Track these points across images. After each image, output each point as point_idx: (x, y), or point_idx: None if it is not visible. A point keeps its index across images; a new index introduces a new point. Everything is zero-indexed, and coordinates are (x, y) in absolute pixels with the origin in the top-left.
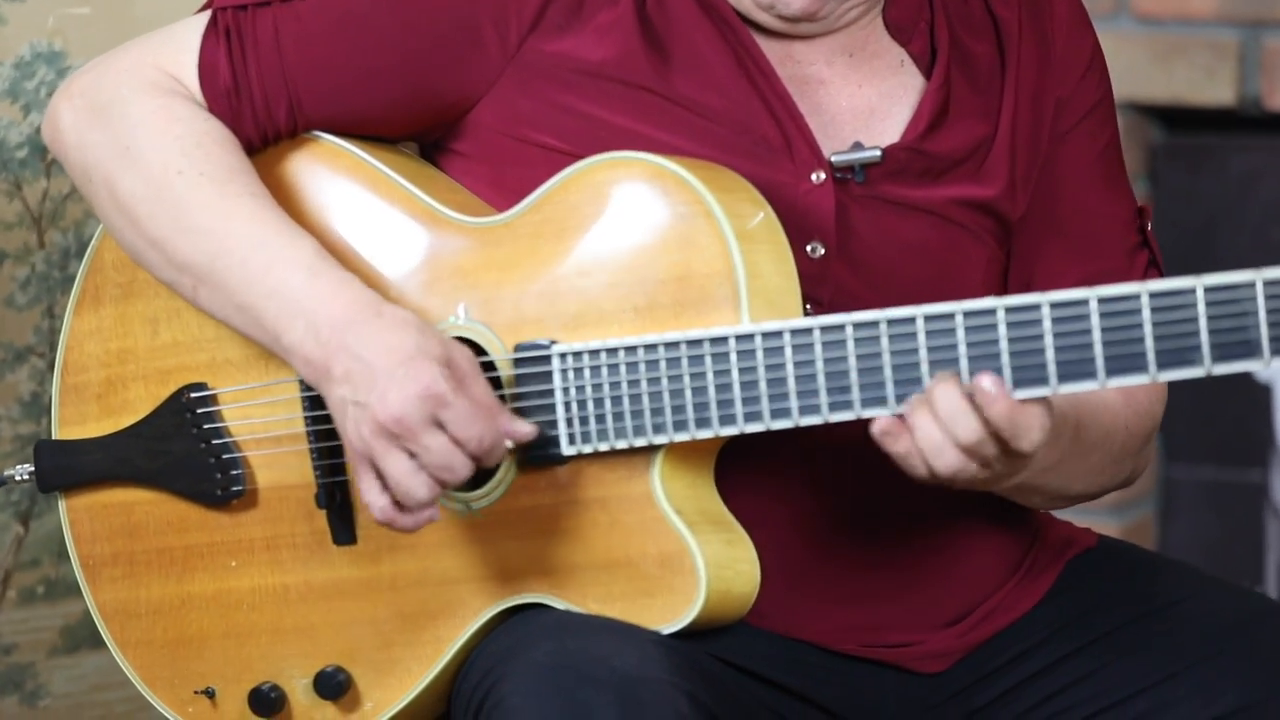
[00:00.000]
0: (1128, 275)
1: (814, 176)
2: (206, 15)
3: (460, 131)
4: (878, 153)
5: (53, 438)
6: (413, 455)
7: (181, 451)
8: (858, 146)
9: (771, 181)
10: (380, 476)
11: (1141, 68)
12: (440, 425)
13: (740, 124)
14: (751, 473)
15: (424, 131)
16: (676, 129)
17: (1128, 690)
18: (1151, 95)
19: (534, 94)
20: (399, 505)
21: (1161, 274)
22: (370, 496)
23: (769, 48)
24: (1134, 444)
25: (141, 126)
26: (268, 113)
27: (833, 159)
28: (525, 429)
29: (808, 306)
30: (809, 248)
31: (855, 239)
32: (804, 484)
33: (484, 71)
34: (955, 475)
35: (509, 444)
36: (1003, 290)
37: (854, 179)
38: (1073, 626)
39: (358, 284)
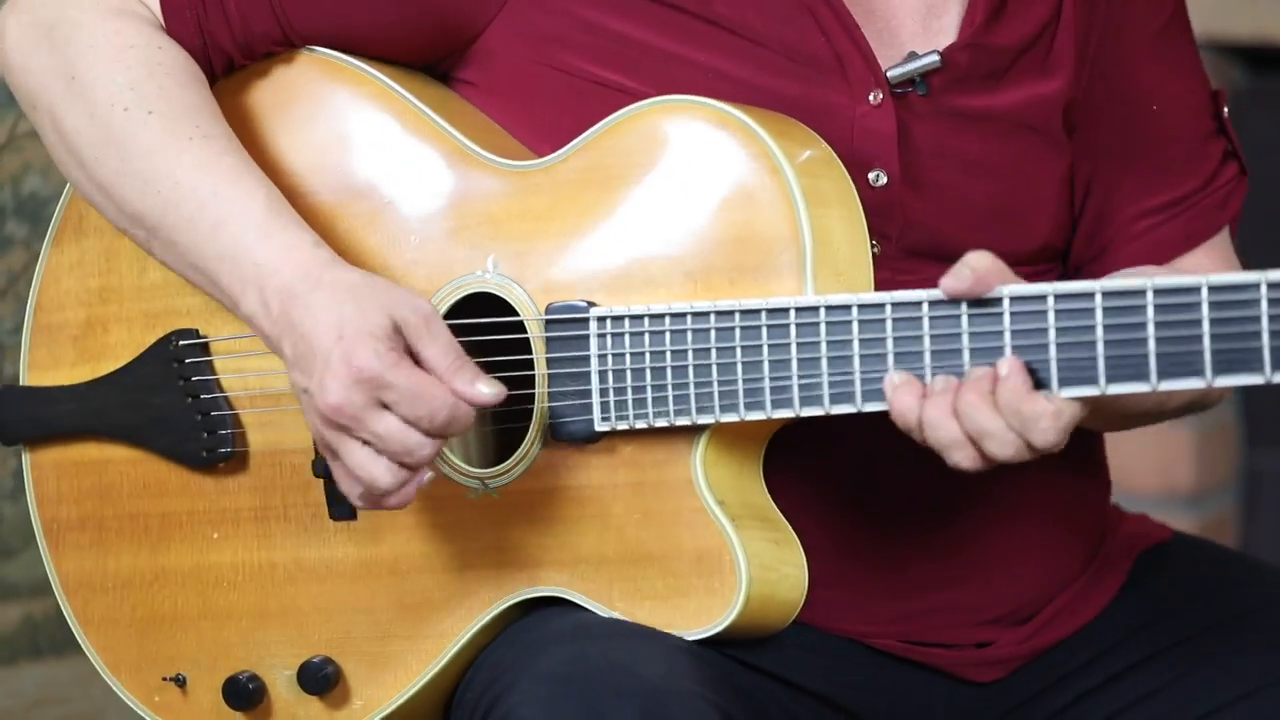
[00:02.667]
0: (1203, 164)
1: (871, 96)
2: None
3: (471, 59)
4: (936, 58)
5: (20, 383)
6: (367, 442)
7: (165, 405)
8: (912, 55)
9: (824, 106)
10: None
11: (1222, 1)
12: (388, 406)
13: (785, 42)
14: (794, 454)
15: (430, 58)
16: (714, 49)
17: (1207, 706)
18: (1233, 32)
19: (555, 8)
20: None
21: (1241, 167)
22: (344, 485)
23: None
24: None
25: (90, 52)
26: (245, 27)
27: (890, 74)
28: (485, 393)
29: (874, 244)
30: (871, 176)
31: (920, 162)
32: (852, 464)
33: None
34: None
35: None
36: (1071, 203)
37: (915, 92)
38: (1145, 631)
39: (308, 245)
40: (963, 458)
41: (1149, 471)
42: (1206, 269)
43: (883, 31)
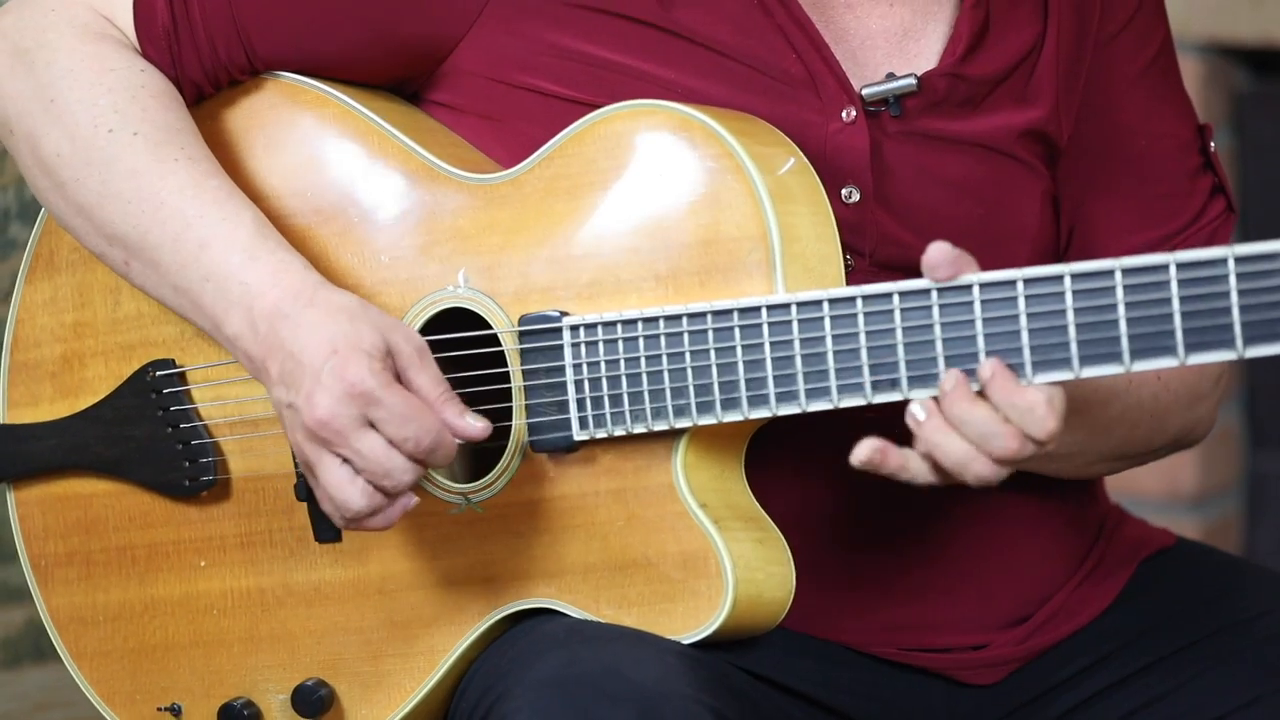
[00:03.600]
0: (1190, 199)
1: (844, 114)
2: None
3: (440, 81)
4: (913, 81)
5: (0, 421)
6: (347, 460)
7: (145, 437)
8: (890, 76)
9: (797, 121)
10: None
11: (1226, 3)
12: (373, 425)
13: (756, 58)
14: (781, 457)
15: (398, 79)
16: (684, 67)
17: (1210, 713)
18: (1237, 34)
19: (521, 32)
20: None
21: (1229, 200)
22: (325, 506)
23: None
24: (1173, 396)
25: (69, 76)
26: (214, 54)
27: (864, 92)
28: (475, 426)
29: (848, 259)
30: (844, 193)
31: (894, 180)
32: (839, 468)
33: (463, 8)
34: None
35: (456, 442)
36: (1058, 227)
37: (888, 112)
38: (1147, 637)
39: (297, 266)
40: (981, 468)
41: (1153, 475)
42: None
43: (856, 51)
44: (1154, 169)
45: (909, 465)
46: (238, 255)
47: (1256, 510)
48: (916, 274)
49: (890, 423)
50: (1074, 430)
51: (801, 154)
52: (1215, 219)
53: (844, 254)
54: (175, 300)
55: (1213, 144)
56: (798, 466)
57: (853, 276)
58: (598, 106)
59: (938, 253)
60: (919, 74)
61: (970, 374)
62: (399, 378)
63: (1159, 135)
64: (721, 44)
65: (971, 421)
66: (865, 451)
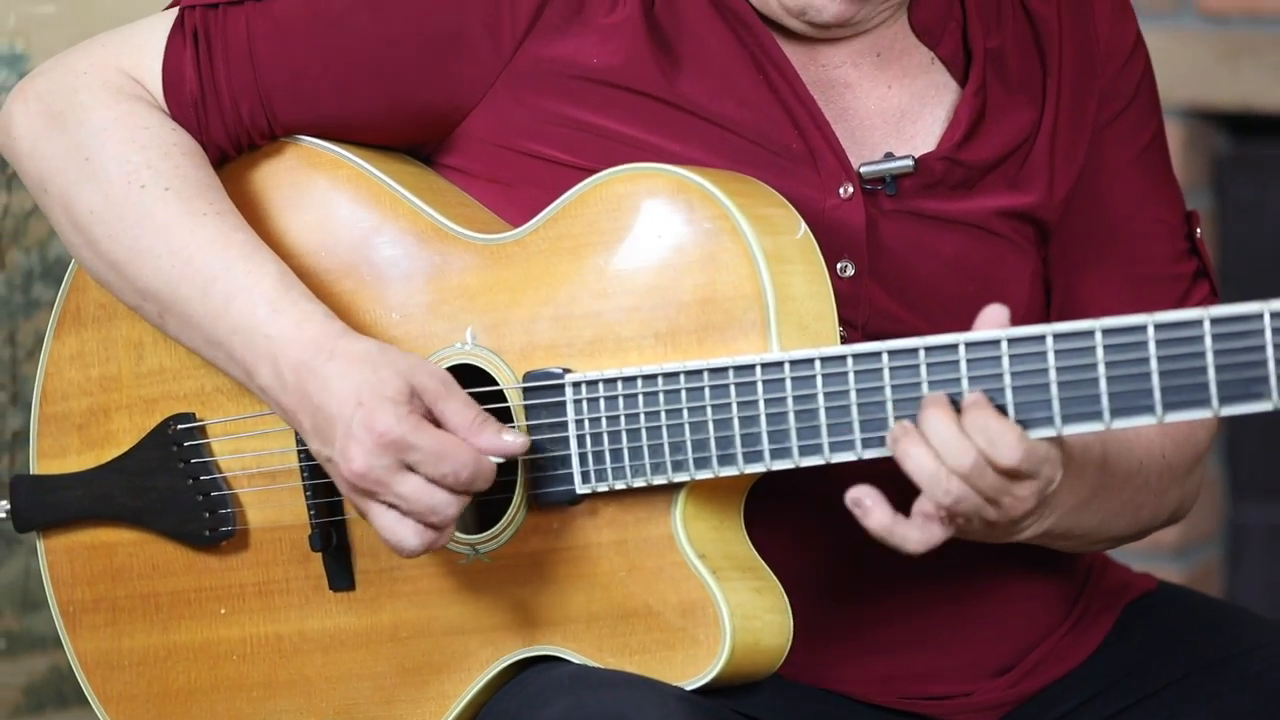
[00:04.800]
0: (1175, 284)
1: (842, 190)
2: (173, 14)
3: (453, 145)
4: (910, 162)
5: (30, 472)
6: (393, 505)
7: (167, 488)
8: (889, 156)
9: (796, 196)
10: None
11: (1206, 69)
12: (411, 468)
13: (759, 133)
14: (779, 512)
15: (413, 143)
16: (689, 139)
17: None
18: (1217, 100)
19: (531, 104)
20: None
21: (1213, 284)
22: (387, 543)
23: (791, 50)
24: (1174, 475)
25: (103, 134)
26: (238, 118)
27: (862, 170)
28: (514, 443)
29: (842, 330)
30: (839, 266)
31: (888, 256)
32: (835, 523)
33: (475, 79)
34: (956, 505)
35: (498, 460)
36: (1047, 303)
37: (885, 191)
38: (1132, 678)
39: (318, 316)
40: (953, 487)
41: None
42: None
43: (856, 130)
44: (1143, 252)
45: (894, 529)
46: (263, 308)
47: (1236, 559)
48: None
49: (886, 481)
50: (1090, 515)
51: (795, 212)
52: (1200, 302)
53: (840, 327)
54: (210, 352)
55: (1199, 230)
56: (795, 519)
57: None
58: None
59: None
60: (916, 155)
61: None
62: (429, 413)
63: (1149, 220)
64: (725, 118)
65: (933, 428)
66: (857, 492)
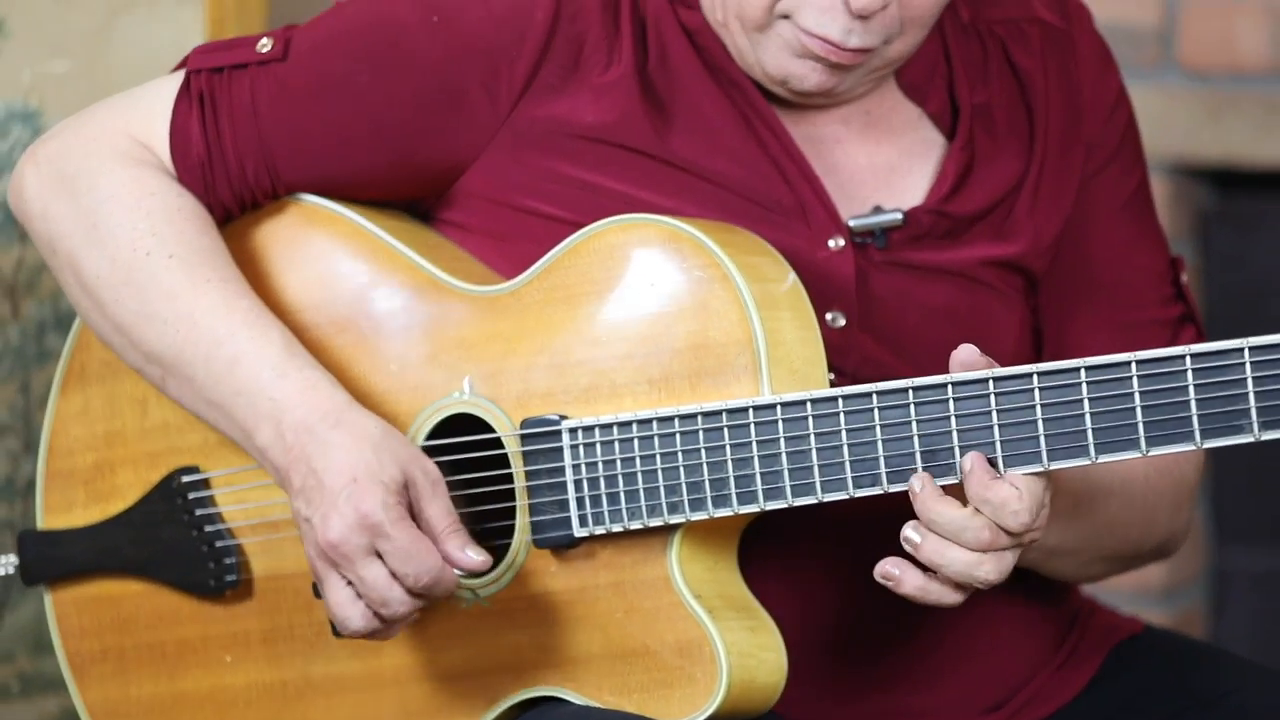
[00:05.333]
0: (1162, 328)
1: (832, 242)
2: (180, 77)
3: (451, 201)
4: (899, 216)
5: (37, 526)
6: (351, 583)
7: (172, 540)
8: (877, 210)
9: (787, 248)
10: None
11: (1190, 125)
12: (380, 555)
13: (751, 188)
14: (771, 553)
15: (412, 199)
16: (681, 195)
17: None
18: (1201, 154)
19: (527, 161)
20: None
21: (1198, 328)
22: (329, 613)
23: (781, 110)
24: (1159, 497)
25: (111, 201)
26: (243, 179)
27: (851, 223)
28: (474, 560)
29: (832, 377)
30: (829, 317)
31: (878, 306)
32: (826, 563)
33: (473, 137)
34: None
35: (457, 574)
36: (1036, 349)
37: (874, 244)
38: (1118, 717)
39: (325, 385)
40: (966, 559)
41: None
42: None
43: (845, 185)
44: (1131, 297)
45: (928, 587)
46: (267, 372)
47: (1220, 603)
48: None
49: (879, 520)
50: (1077, 528)
51: (784, 260)
52: (1186, 344)
53: (830, 375)
54: (209, 414)
55: (1184, 275)
56: (788, 559)
57: None
58: None
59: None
60: (905, 209)
61: (949, 468)
62: (413, 506)
63: (1136, 266)
64: (717, 174)
65: (941, 521)
66: (884, 567)
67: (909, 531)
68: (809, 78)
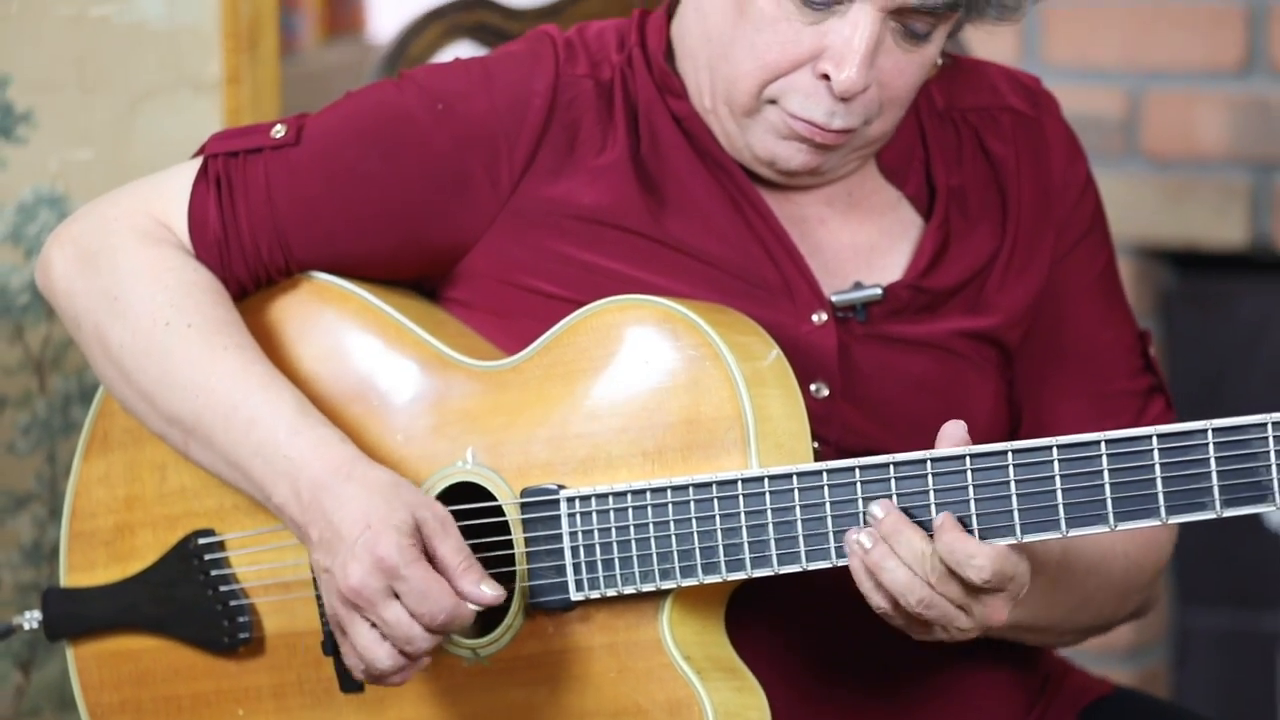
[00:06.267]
0: (1133, 399)
1: (815, 317)
2: (198, 162)
3: (456, 279)
4: (878, 291)
5: (60, 585)
6: (374, 625)
7: (188, 598)
8: (858, 286)
9: (772, 323)
10: None
11: (1152, 209)
12: (398, 596)
13: (739, 268)
14: (757, 617)
15: (419, 278)
16: (674, 274)
17: None
18: (1162, 237)
19: (528, 241)
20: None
21: (1167, 399)
22: (349, 660)
23: (766, 191)
24: (1139, 574)
25: (132, 276)
26: (257, 256)
27: (834, 299)
28: (488, 594)
29: (816, 446)
30: (813, 388)
31: (859, 378)
32: (810, 625)
33: (476, 219)
34: (927, 611)
35: (476, 608)
36: (1010, 419)
37: (855, 318)
38: None
39: (336, 441)
40: (926, 596)
41: None
42: None
43: (828, 262)
44: (1102, 369)
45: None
46: (282, 431)
47: (1183, 662)
48: None
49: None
50: (1054, 604)
51: (771, 339)
52: (1156, 416)
53: (814, 444)
54: (229, 474)
55: (1152, 349)
56: (773, 622)
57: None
58: None
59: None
60: (884, 285)
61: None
62: (426, 546)
63: (1107, 340)
64: (707, 254)
65: (902, 542)
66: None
67: (862, 536)
68: (795, 158)
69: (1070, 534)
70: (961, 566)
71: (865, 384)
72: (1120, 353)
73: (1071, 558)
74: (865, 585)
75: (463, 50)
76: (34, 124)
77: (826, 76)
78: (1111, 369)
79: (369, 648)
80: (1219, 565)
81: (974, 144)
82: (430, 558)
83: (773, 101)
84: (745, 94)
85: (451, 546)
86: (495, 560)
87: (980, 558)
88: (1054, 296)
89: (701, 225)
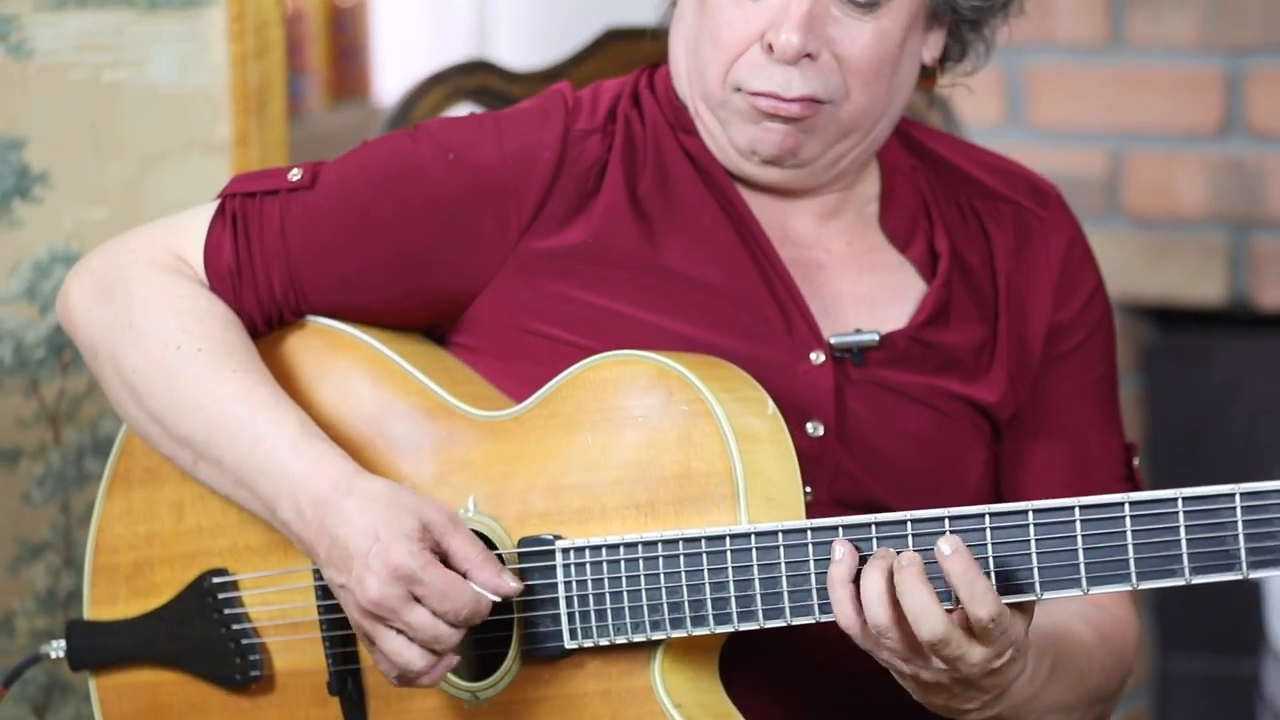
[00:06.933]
0: None
1: (813, 356)
2: (216, 203)
3: (463, 325)
4: (876, 337)
5: (84, 617)
6: (400, 630)
7: (203, 635)
8: (857, 331)
9: (770, 361)
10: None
11: (1134, 267)
12: (419, 600)
13: (740, 300)
14: (749, 665)
15: (427, 323)
16: (674, 311)
17: None
18: (1144, 294)
19: (532, 287)
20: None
21: None
22: (382, 666)
23: (769, 225)
24: (1107, 687)
25: (145, 303)
26: (270, 294)
27: (832, 340)
28: (509, 586)
29: (807, 489)
30: (809, 427)
31: (854, 421)
32: (799, 674)
33: (484, 265)
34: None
35: (496, 598)
36: (996, 494)
37: (852, 361)
38: None
39: (335, 458)
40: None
41: None
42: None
43: (829, 307)
44: (1086, 466)
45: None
46: (284, 450)
47: (1165, 706)
48: (866, 509)
49: (848, 639)
50: (1055, 684)
51: (766, 394)
52: None
53: (806, 484)
54: (237, 493)
55: (1136, 460)
56: (763, 671)
57: (810, 509)
58: (595, 349)
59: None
60: (883, 332)
61: None
62: (437, 546)
63: (1093, 440)
64: (709, 284)
65: (870, 586)
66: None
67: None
68: (770, 139)
69: (1044, 596)
70: (971, 593)
71: (859, 428)
72: (1105, 456)
73: (1059, 670)
74: (881, 622)
75: (464, 112)
76: (50, 184)
77: (772, 46)
78: (1095, 467)
79: (400, 652)
80: (1199, 612)
81: (977, 227)
82: (442, 555)
83: (738, 89)
84: (713, 83)
85: (462, 540)
86: (494, 607)
87: (991, 593)
88: (1046, 392)
89: (707, 255)
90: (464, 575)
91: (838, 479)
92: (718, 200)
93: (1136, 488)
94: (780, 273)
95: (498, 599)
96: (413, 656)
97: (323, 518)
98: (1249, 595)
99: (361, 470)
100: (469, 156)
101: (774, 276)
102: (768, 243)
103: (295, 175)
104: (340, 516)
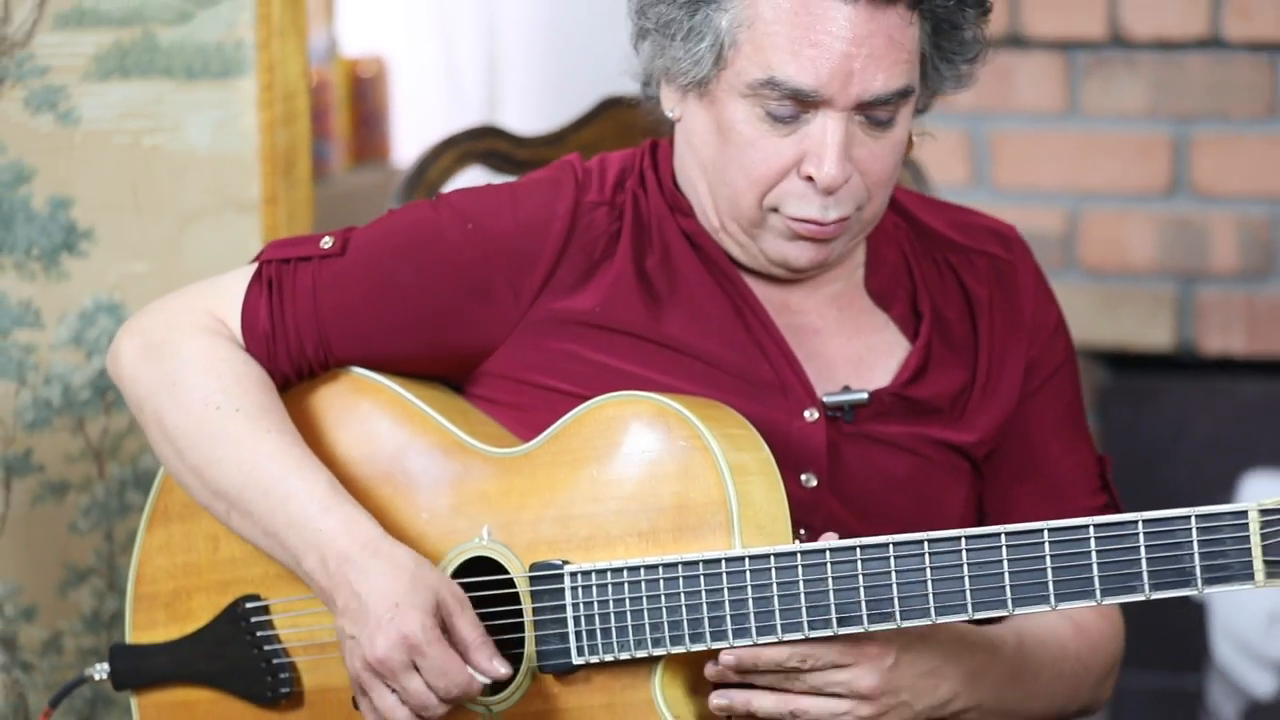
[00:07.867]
0: (1090, 515)
1: (807, 414)
2: (254, 267)
3: (479, 379)
4: (865, 395)
5: (126, 642)
6: (395, 691)
7: (237, 656)
8: (847, 389)
9: (768, 417)
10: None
11: (1089, 315)
12: (418, 669)
13: (737, 366)
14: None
15: (445, 376)
16: (676, 372)
17: None
18: (1099, 340)
19: (542, 346)
20: None
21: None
22: (370, 717)
23: (766, 298)
24: (1087, 676)
25: (189, 365)
26: (301, 351)
27: (825, 399)
28: (499, 670)
29: (801, 532)
30: (803, 478)
31: (845, 472)
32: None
33: (498, 326)
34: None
35: (487, 681)
36: (979, 524)
37: (843, 418)
38: None
39: (364, 521)
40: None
41: None
42: (1100, 612)
43: (821, 368)
44: (1063, 489)
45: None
46: (314, 507)
47: (1120, 718)
48: None
49: None
50: (1015, 690)
51: (757, 433)
52: None
53: (798, 529)
54: (265, 543)
55: (1109, 471)
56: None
57: None
58: None
59: None
60: (870, 390)
61: (888, 615)
62: (445, 622)
63: (1069, 464)
64: (707, 354)
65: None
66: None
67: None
68: (803, 256)
69: (1016, 612)
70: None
71: (850, 478)
72: (1081, 475)
73: (1027, 650)
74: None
75: (475, 174)
76: (94, 240)
77: (811, 177)
78: (1071, 489)
79: (392, 710)
80: (1149, 632)
81: (954, 281)
82: (447, 632)
83: (774, 210)
84: (748, 208)
85: (468, 623)
86: (506, 626)
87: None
88: (1023, 426)
89: (704, 328)
90: (462, 654)
91: (829, 525)
92: (716, 279)
93: (1112, 497)
94: (777, 340)
95: (488, 681)
96: (401, 716)
97: (347, 572)
98: (1194, 616)
99: (389, 536)
100: (486, 225)
101: (769, 343)
102: (766, 315)
103: (327, 243)
104: (363, 574)
